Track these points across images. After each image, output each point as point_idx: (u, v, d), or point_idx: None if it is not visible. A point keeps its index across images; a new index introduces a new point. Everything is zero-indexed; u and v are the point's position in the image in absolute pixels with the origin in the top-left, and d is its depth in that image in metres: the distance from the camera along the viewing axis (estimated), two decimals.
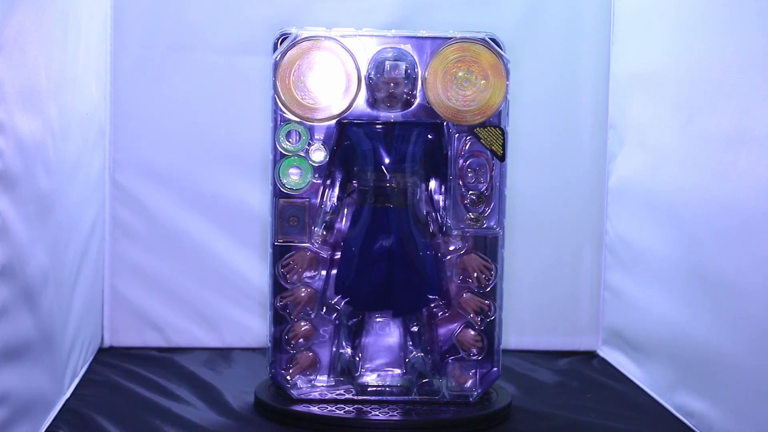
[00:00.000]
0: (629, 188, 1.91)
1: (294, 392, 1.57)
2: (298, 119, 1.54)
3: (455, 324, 1.60)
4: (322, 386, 1.59)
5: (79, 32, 1.71)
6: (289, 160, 1.55)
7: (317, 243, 1.57)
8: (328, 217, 1.57)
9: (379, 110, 1.55)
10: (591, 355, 2.03)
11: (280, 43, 1.54)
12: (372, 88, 1.54)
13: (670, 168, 1.68)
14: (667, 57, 1.71)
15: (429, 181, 1.59)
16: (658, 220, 1.73)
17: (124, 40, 1.96)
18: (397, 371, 1.62)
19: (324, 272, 1.59)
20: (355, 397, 1.57)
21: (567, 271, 2.06)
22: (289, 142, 1.55)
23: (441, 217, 1.58)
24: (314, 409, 1.53)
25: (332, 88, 1.54)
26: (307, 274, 1.58)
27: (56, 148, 1.53)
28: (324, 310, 1.59)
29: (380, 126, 1.56)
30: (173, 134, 1.99)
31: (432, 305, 1.59)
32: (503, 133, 1.55)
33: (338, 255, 1.58)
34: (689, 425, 1.55)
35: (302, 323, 1.59)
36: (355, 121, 1.56)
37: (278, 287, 1.58)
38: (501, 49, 1.54)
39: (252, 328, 1.99)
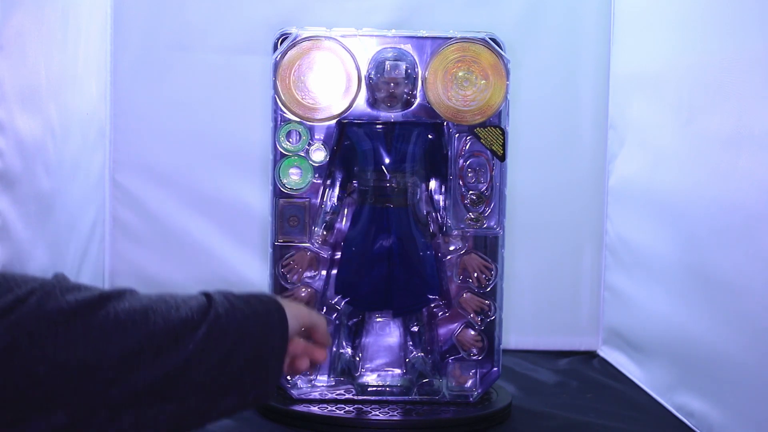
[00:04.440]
0: (629, 188, 1.91)
1: (294, 392, 1.57)
2: (298, 119, 1.54)
3: (455, 324, 1.60)
4: (322, 386, 1.59)
5: (79, 32, 1.71)
6: (289, 160, 1.55)
7: (317, 243, 1.57)
8: (328, 217, 1.57)
9: (380, 110, 1.55)
10: (591, 355, 2.03)
11: (280, 43, 1.54)
12: (372, 88, 1.54)
13: (670, 168, 1.68)
14: (667, 57, 1.71)
15: (429, 181, 1.59)
16: (658, 220, 1.73)
17: (124, 40, 1.96)
18: (397, 371, 1.62)
19: (324, 272, 1.59)
20: (355, 397, 1.57)
21: (567, 271, 2.06)
22: (289, 142, 1.55)
23: (441, 217, 1.58)
24: (314, 409, 1.53)
25: (332, 88, 1.54)
26: (308, 274, 1.58)
27: (56, 148, 1.53)
28: (324, 310, 1.59)
29: (380, 126, 1.56)
30: (173, 134, 1.99)
31: (432, 305, 1.59)
32: (503, 133, 1.55)
33: (338, 255, 1.58)
34: (689, 425, 1.55)
35: None
36: (355, 121, 1.56)
37: (278, 287, 1.58)
38: (501, 49, 1.54)
39: None
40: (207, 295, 1.04)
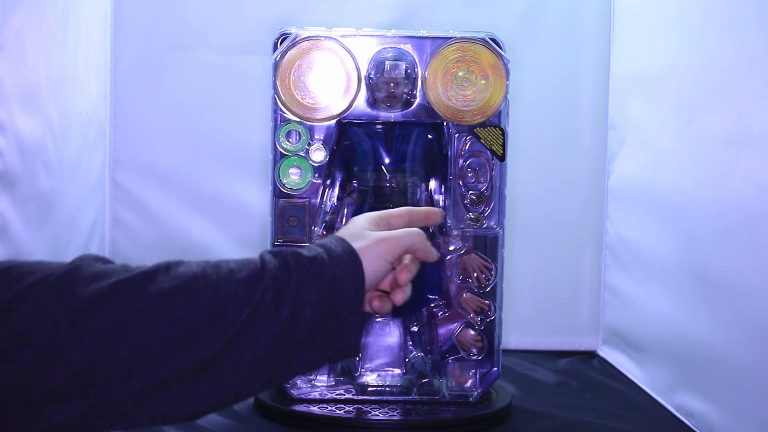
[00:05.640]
0: (629, 188, 1.91)
1: (294, 392, 1.57)
2: (298, 119, 1.54)
3: (455, 324, 1.60)
4: (322, 386, 1.59)
5: (79, 32, 1.71)
6: (289, 160, 1.55)
7: None
8: (328, 217, 1.57)
9: (380, 110, 1.55)
10: (591, 355, 2.03)
11: (280, 43, 1.54)
12: (372, 88, 1.54)
13: (670, 168, 1.68)
14: (667, 57, 1.71)
15: (429, 181, 1.59)
16: (658, 220, 1.73)
17: (124, 40, 1.96)
18: (397, 371, 1.62)
19: None
20: (355, 397, 1.57)
21: (567, 271, 2.06)
22: (289, 142, 1.55)
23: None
24: (314, 409, 1.53)
25: (332, 88, 1.54)
26: None
27: (56, 148, 1.53)
28: None
29: (380, 126, 1.56)
30: (173, 134, 1.99)
31: (432, 305, 1.59)
32: (503, 133, 1.55)
33: None
34: (689, 425, 1.55)
35: None
36: (355, 121, 1.56)
37: None
38: (501, 49, 1.54)
39: None
40: (262, 262, 0.97)
